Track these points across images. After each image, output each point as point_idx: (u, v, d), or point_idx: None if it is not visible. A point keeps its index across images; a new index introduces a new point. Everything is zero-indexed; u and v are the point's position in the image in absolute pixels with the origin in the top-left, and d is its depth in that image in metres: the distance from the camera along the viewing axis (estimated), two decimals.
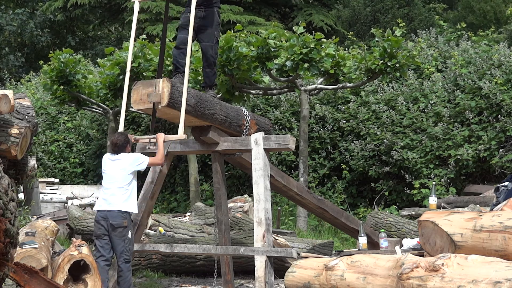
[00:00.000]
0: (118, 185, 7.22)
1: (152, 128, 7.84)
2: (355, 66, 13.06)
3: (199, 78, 12.55)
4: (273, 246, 7.78)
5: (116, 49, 14.24)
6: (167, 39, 8.60)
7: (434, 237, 6.16)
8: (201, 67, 12.14)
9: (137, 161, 7.33)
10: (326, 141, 15.12)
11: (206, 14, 8.22)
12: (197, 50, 11.57)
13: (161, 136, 7.47)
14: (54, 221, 9.67)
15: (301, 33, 12.70)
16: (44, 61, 17.61)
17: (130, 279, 7.21)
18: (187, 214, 12.05)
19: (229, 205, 11.35)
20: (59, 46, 26.44)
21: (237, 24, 12.92)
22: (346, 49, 16.22)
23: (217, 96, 10.36)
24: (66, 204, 14.24)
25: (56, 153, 18.44)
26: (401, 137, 14.01)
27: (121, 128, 7.81)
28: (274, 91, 14.16)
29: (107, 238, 7.16)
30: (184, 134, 7.47)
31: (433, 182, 10.83)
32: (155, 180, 8.32)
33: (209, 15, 8.24)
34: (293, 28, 13.31)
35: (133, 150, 7.73)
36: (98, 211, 7.28)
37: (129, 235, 7.20)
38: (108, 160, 7.42)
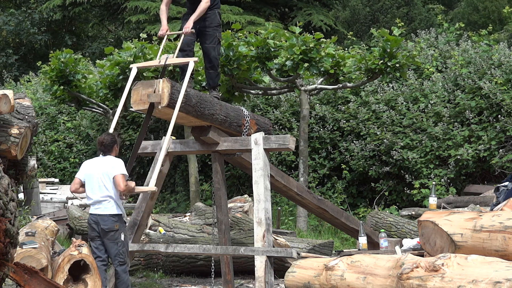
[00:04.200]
0: (105, 189, 7.09)
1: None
2: (355, 66, 13.06)
3: (199, 78, 12.55)
4: (273, 246, 7.78)
5: (115, 49, 14.24)
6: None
7: (434, 237, 6.16)
8: (201, 67, 12.22)
9: (114, 167, 7.10)
10: (326, 141, 15.12)
11: (207, 16, 8.25)
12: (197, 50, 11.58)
13: (132, 183, 7.22)
14: (54, 221, 9.67)
15: (300, 33, 12.70)
16: (42, 61, 17.59)
17: (128, 281, 7.19)
18: (187, 214, 12.04)
19: (229, 205, 11.34)
20: (57, 46, 26.41)
21: (235, 23, 12.89)
22: (346, 49, 16.20)
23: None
24: (66, 204, 14.22)
25: (56, 153, 18.43)
26: (401, 137, 14.01)
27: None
28: (274, 91, 14.16)
29: (101, 240, 7.14)
30: (154, 186, 7.38)
31: (433, 182, 10.82)
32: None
33: (210, 17, 8.27)
34: (289, 27, 13.31)
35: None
36: (90, 214, 7.23)
37: (122, 237, 7.12)
38: (94, 163, 7.27)
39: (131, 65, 8.18)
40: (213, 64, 8.41)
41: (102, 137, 7.33)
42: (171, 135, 8.54)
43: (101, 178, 7.12)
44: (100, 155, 7.30)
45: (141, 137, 7.81)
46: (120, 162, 7.18)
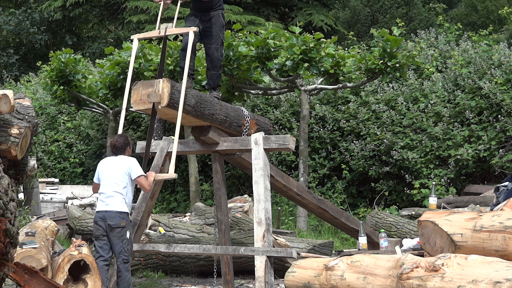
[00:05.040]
0: (116, 186, 7.20)
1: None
2: (355, 66, 13.06)
3: (199, 78, 12.55)
4: (273, 246, 7.78)
5: (115, 49, 14.25)
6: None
7: (434, 237, 6.16)
8: (201, 67, 12.23)
9: (132, 169, 7.25)
10: (326, 141, 15.12)
11: (211, 17, 8.25)
12: (198, 50, 11.56)
13: (151, 175, 7.43)
14: (54, 221, 9.68)
15: (300, 33, 12.70)
16: (42, 61, 17.57)
17: (129, 279, 7.21)
18: (187, 214, 12.05)
19: (229, 205, 11.34)
20: (57, 46, 26.41)
21: (236, 23, 12.90)
22: (346, 49, 16.20)
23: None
24: (66, 204, 14.23)
25: (56, 153, 18.43)
26: (401, 137, 14.01)
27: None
28: (274, 91, 14.16)
29: (106, 238, 7.17)
30: (174, 173, 7.51)
31: (433, 182, 10.82)
32: None
33: (214, 18, 8.27)
34: (290, 27, 13.30)
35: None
36: (96, 211, 7.30)
37: (127, 235, 7.19)
38: (106, 162, 7.41)
39: (132, 36, 8.16)
40: (215, 64, 8.41)
41: (114, 139, 7.40)
42: (170, 136, 8.56)
43: (113, 177, 7.22)
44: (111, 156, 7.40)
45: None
46: (135, 162, 7.31)
